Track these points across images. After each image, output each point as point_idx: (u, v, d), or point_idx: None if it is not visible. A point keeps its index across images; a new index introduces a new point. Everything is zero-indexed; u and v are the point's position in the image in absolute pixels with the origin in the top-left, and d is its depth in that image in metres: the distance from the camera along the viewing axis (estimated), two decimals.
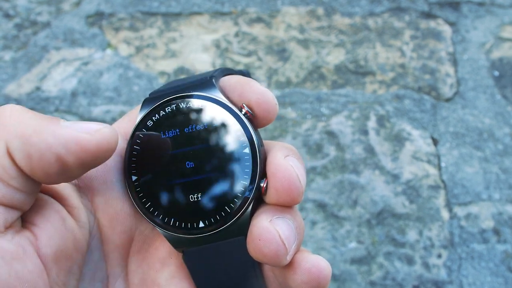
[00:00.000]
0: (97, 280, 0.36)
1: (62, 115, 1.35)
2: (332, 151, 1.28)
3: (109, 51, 1.51)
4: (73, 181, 0.36)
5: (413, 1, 1.65)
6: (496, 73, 1.46)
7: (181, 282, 0.37)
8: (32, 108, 1.36)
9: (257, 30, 1.56)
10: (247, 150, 0.35)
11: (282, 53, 1.50)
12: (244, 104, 0.36)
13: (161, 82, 1.43)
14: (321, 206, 1.18)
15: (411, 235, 1.14)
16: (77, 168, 0.32)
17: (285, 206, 0.35)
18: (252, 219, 0.35)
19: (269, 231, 0.32)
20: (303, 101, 1.38)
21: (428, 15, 1.61)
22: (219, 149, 0.35)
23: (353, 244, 1.13)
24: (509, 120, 1.35)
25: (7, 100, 1.39)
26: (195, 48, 1.51)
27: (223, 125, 0.35)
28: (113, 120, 1.34)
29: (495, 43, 1.54)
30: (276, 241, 0.32)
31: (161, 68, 1.46)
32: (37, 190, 0.32)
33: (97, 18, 1.60)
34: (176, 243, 0.37)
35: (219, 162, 0.35)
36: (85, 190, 0.36)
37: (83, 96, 1.39)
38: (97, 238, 0.36)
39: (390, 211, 1.17)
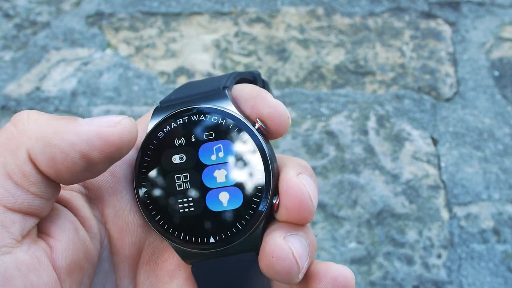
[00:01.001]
0: None
1: (62, 115, 1.36)
2: (331, 151, 1.28)
3: (109, 51, 1.51)
4: (84, 192, 0.36)
5: (413, 1, 1.65)
6: (496, 73, 1.46)
7: None
8: (31, 108, 1.36)
9: (257, 30, 1.56)
10: (260, 167, 0.35)
11: (282, 53, 1.50)
12: (257, 119, 0.35)
13: (160, 82, 1.43)
14: (321, 206, 1.18)
15: (411, 235, 1.14)
16: (103, 163, 0.31)
17: (297, 224, 0.35)
18: (265, 236, 0.34)
19: (282, 248, 0.32)
20: (303, 101, 1.38)
21: (428, 15, 1.61)
22: (231, 165, 0.35)
23: (353, 244, 1.13)
24: (509, 120, 1.35)
25: (7, 100, 1.39)
26: (195, 48, 1.51)
27: (236, 141, 0.35)
28: None
29: (495, 43, 1.54)
30: (289, 259, 0.32)
31: (161, 68, 1.46)
32: (56, 195, 0.32)
33: (97, 18, 1.60)
34: (185, 256, 0.36)
35: (230, 178, 0.35)
36: (95, 202, 0.36)
37: (83, 96, 1.39)
38: (107, 249, 0.36)
39: (390, 211, 1.17)
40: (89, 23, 1.59)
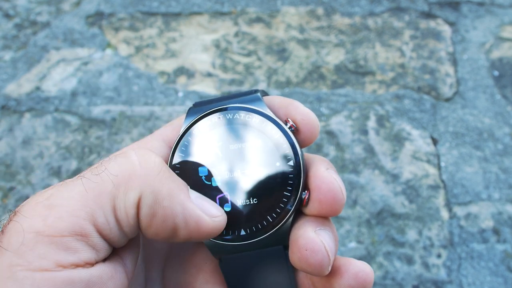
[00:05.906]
0: (137, 284, 0.38)
1: (62, 115, 1.36)
2: (331, 151, 1.28)
3: (108, 51, 1.51)
4: None
5: (412, 1, 1.65)
6: (496, 73, 1.46)
7: (215, 287, 0.38)
8: (31, 108, 1.37)
9: (257, 30, 1.56)
10: (291, 163, 0.35)
11: (281, 53, 1.50)
12: (289, 119, 0.37)
13: (160, 82, 1.43)
14: None
15: (411, 235, 1.14)
16: (181, 239, 0.33)
17: (325, 218, 0.36)
18: (294, 230, 0.35)
19: (315, 242, 0.34)
20: (303, 101, 1.38)
21: (428, 15, 1.61)
22: (264, 161, 0.36)
23: (352, 244, 1.13)
24: (509, 120, 1.35)
25: (7, 100, 1.39)
26: (195, 48, 1.51)
27: (269, 138, 0.36)
28: (112, 120, 1.34)
29: (495, 43, 1.54)
30: (322, 252, 0.33)
31: (160, 68, 1.46)
32: (138, 237, 0.34)
33: (97, 18, 1.60)
34: (215, 250, 0.37)
35: (262, 173, 0.36)
36: None
37: (83, 96, 1.39)
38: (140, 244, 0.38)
39: (390, 211, 1.17)
40: (89, 23, 1.59)
